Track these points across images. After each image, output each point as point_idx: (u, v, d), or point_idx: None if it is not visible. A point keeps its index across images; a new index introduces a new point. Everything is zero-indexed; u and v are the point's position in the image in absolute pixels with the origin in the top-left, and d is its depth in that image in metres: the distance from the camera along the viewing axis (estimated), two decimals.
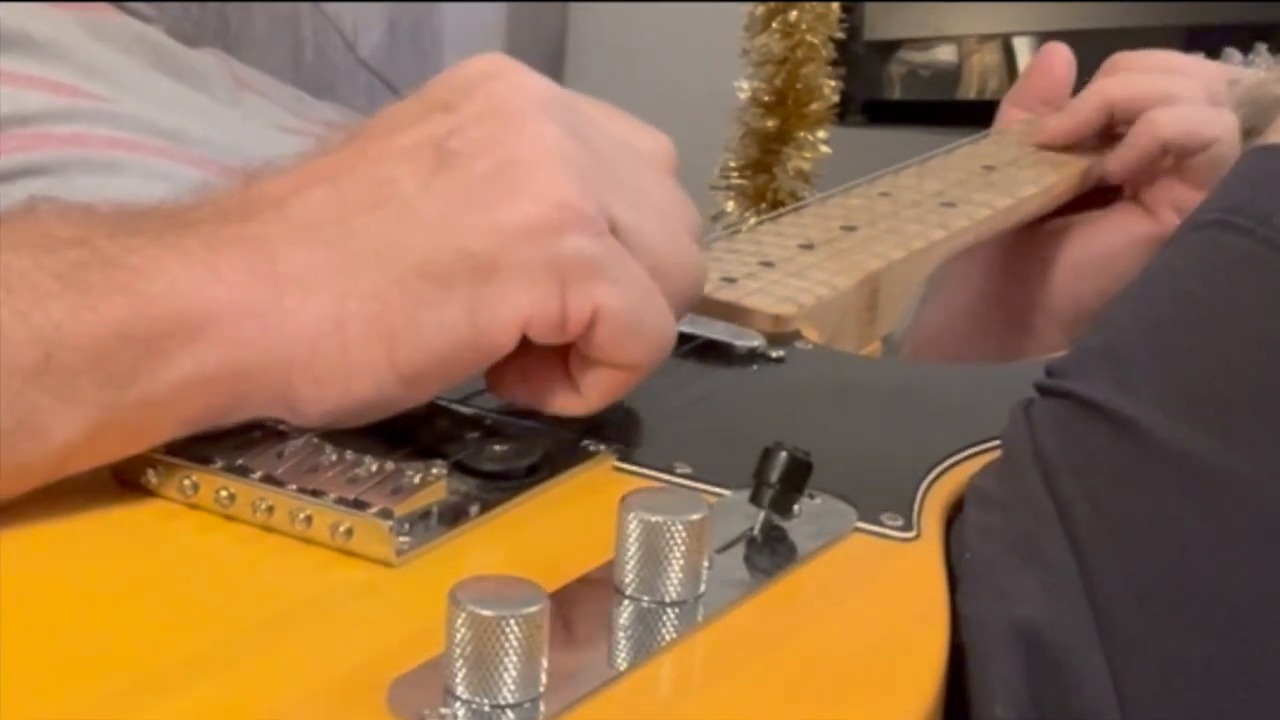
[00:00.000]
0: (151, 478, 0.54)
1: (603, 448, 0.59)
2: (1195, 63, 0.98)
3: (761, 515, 0.54)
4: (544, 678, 0.45)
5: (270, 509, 0.53)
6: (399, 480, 0.53)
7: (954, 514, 0.58)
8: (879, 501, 0.57)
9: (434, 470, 0.54)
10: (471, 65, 0.58)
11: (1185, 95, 0.94)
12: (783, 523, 0.55)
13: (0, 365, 0.50)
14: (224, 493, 0.53)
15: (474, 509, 0.54)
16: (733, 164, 1.71)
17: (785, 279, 0.76)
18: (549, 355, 0.57)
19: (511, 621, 0.44)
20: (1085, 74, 1.00)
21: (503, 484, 0.56)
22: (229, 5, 1.49)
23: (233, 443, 0.54)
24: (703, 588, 0.51)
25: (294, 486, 0.53)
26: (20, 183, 0.77)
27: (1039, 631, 0.52)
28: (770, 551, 0.54)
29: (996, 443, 0.59)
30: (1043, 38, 1.58)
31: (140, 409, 0.52)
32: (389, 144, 0.56)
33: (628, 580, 0.50)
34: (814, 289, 0.75)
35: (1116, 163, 0.95)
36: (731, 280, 0.75)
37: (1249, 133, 0.93)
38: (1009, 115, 1.02)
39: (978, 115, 1.13)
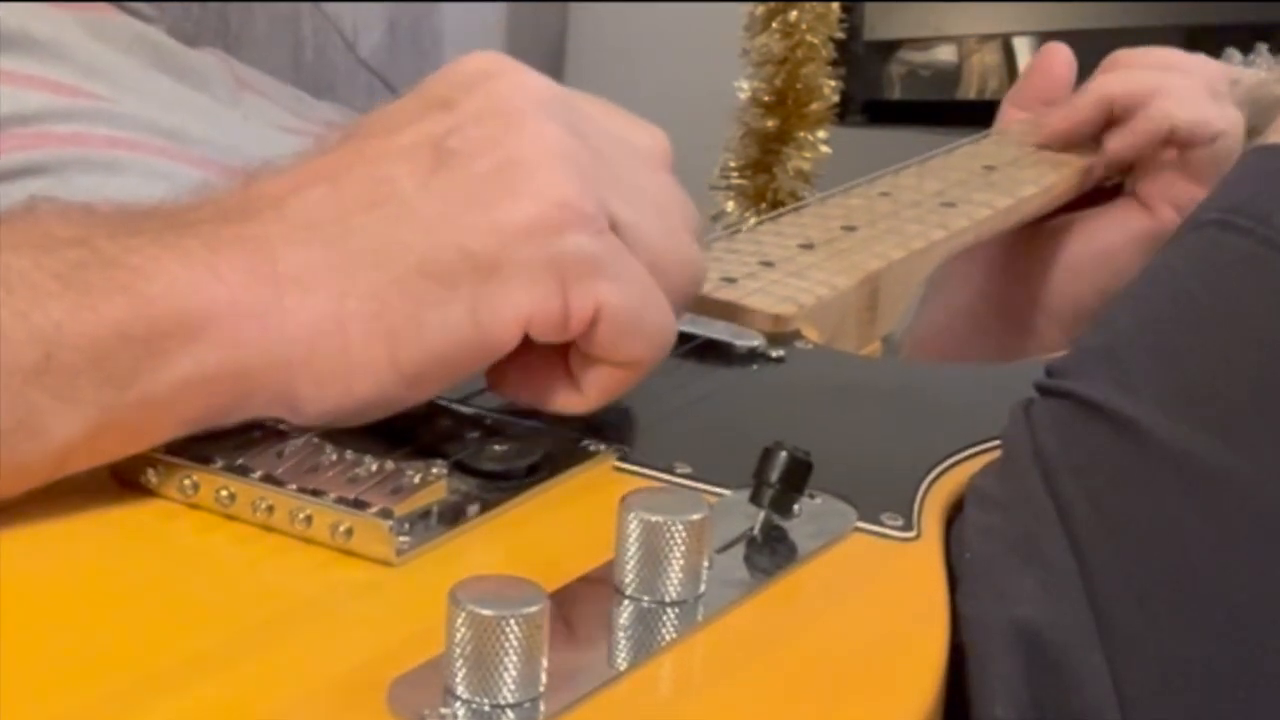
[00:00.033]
0: (151, 477, 0.54)
1: (603, 448, 0.59)
2: (1196, 60, 0.98)
3: (761, 515, 0.54)
4: (544, 677, 0.45)
5: (270, 508, 0.53)
6: (399, 480, 0.53)
7: (954, 514, 0.58)
8: (879, 501, 0.57)
9: (434, 470, 0.54)
10: (469, 63, 0.58)
11: (1187, 91, 0.94)
12: (783, 522, 0.55)
13: (0, 365, 0.50)
14: (224, 492, 0.53)
15: (474, 509, 0.54)
16: (733, 164, 1.71)
17: (785, 279, 0.76)
18: (549, 354, 0.57)
19: (511, 621, 0.44)
20: (1085, 74, 1.00)
21: (503, 484, 0.56)
22: (229, 5, 1.49)
23: (233, 442, 0.54)
24: (703, 588, 0.51)
25: (294, 486, 0.53)
26: (20, 182, 0.77)
27: (1039, 631, 0.52)
28: (770, 551, 0.54)
29: (996, 443, 0.59)
30: (1043, 38, 1.58)
31: (140, 409, 0.52)
32: (387, 143, 0.56)
33: (628, 580, 0.50)
34: (814, 289, 0.75)
35: (1120, 141, 0.94)
36: (731, 280, 0.75)
37: (1250, 133, 0.93)
38: (1009, 115, 1.02)
39: (978, 115, 1.13)
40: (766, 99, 1.69)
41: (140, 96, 0.85)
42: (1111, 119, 0.96)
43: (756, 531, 0.54)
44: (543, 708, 0.45)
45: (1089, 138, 0.98)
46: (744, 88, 1.70)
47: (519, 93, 0.56)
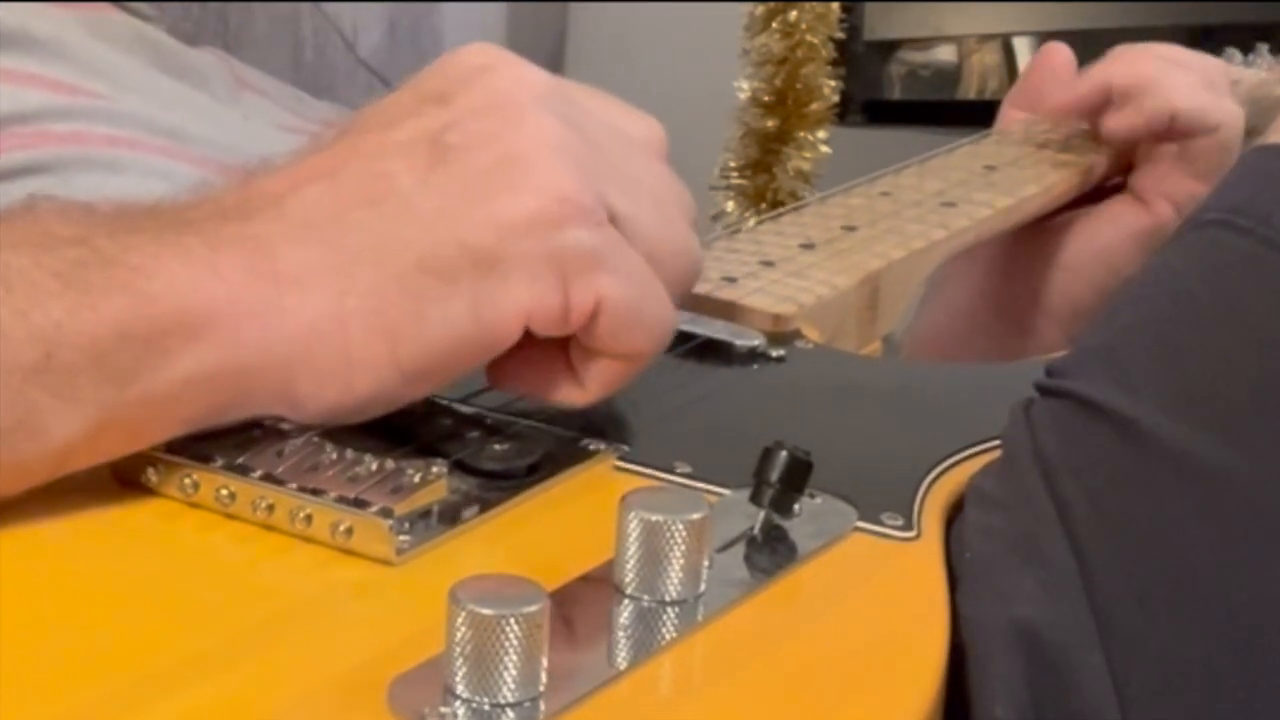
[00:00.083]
0: (152, 476, 0.54)
1: (603, 447, 0.59)
2: (1198, 57, 0.98)
3: (762, 515, 0.54)
4: (544, 677, 0.45)
5: (270, 508, 0.53)
6: (399, 479, 0.53)
7: (954, 514, 0.58)
8: (879, 501, 0.57)
9: (434, 469, 0.54)
10: (464, 56, 0.58)
11: (1188, 83, 0.94)
12: (783, 522, 0.55)
13: (0, 364, 0.50)
14: (224, 491, 0.53)
15: (474, 508, 0.54)
16: (733, 164, 1.71)
17: (786, 278, 0.76)
18: (549, 347, 0.57)
19: (511, 620, 0.44)
20: None
21: (503, 483, 0.56)
22: (229, 5, 1.49)
23: (233, 441, 0.54)
24: (703, 587, 0.51)
25: (294, 485, 0.53)
26: (20, 181, 0.77)
27: (1039, 631, 0.52)
28: (770, 551, 0.54)
29: (996, 443, 0.59)
30: (1043, 38, 1.59)
31: (140, 407, 0.52)
32: (384, 139, 0.56)
33: (628, 579, 0.50)
34: (814, 288, 0.75)
35: (1119, 120, 0.94)
36: (732, 280, 0.75)
37: (1250, 133, 0.93)
38: (1009, 116, 1.02)
39: (978, 115, 1.13)
40: (766, 99, 1.69)
41: (140, 95, 0.85)
42: (1110, 105, 0.95)
43: (757, 531, 0.54)
44: (543, 707, 0.45)
45: (1084, 119, 0.98)
46: (744, 88, 1.70)
47: (516, 86, 0.56)
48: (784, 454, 0.54)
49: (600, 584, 0.50)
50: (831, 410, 0.66)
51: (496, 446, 0.57)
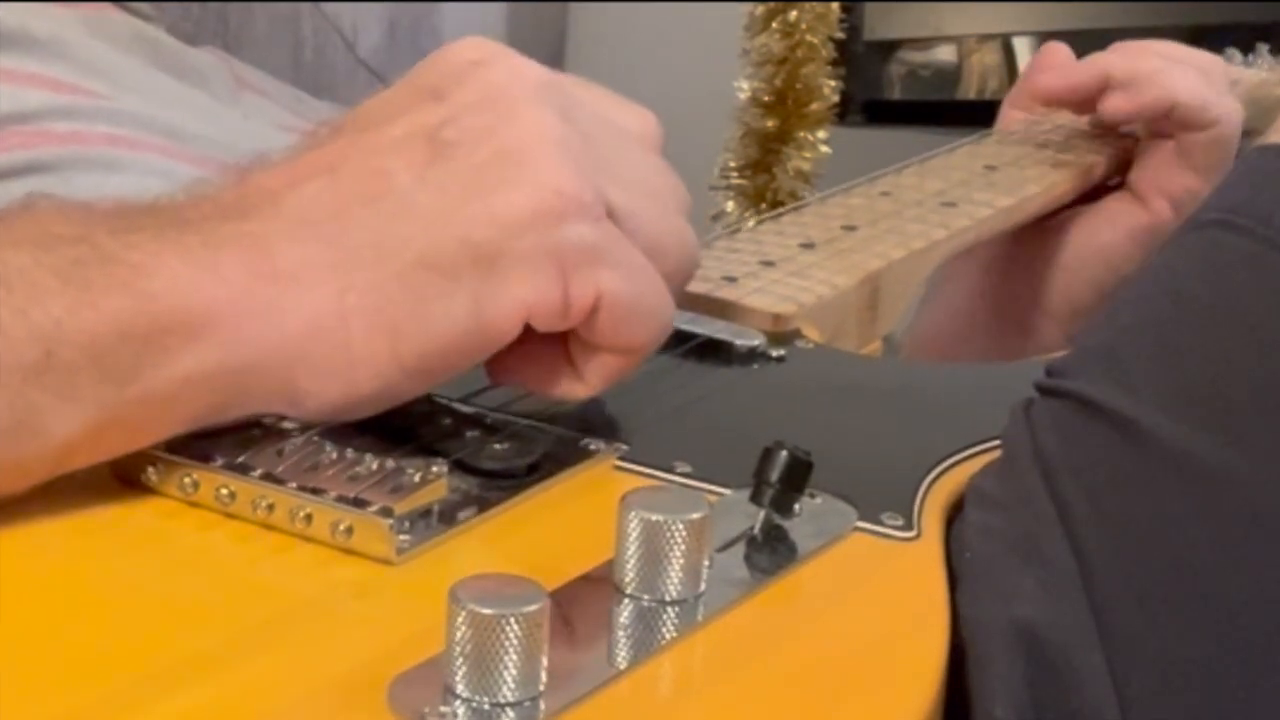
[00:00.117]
0: (152, 475, 0.54)
1: (603, 446, 0.59)
2: (1198, 54, 0.97)
3: (762, 514, 0.54)
4: (544, 676, 0.45)
5: (270, 507, 0.53)
6: (399, 478, 0.53)
7: (954, 514, 0.58)
8: (879, 501, 0.57)
9: (434, 469, 0.54)
10: (458, 51, 0.58)
11: (1187, 76, 0.94)
12: (783, 522, 0.55)
13: (0, 363, 0.50)
14: (224, 490, 0.53)
15: (474, 507, 0.54)
16: (733, 164, 1.71)
17: (786, 278, 0.76)
18: (549, 341, 0.57)
19: (511, 620, 0.44)
20: None
21: (503, 482, 0.56)
22: (229, 5, 1.49)
23: (233, 440, 0.54)
24: (703, 587, 0.51)
25: (294, 484, 0.53)
26: (20, 180, 0.77)
27: (1039, 631, 0.52)
28: (770, 551, 0.54)
29: (996, 443, 0.59)
30: (1043, 38, 1.59)
31: (140, 406, 0.52)
32: (381, 135, 0.56)
33: (628, 579, 0.50)
34: (815, 288, 0.75)
35: (1118, 101, 0.94)
36: (732, 279, 0.75)
37: (1250, 133, 0.93)
38: (1010, 116, 1.02)
39: (978, 115, 1.13)
40: (766, 99, 1.69)
41: (140, 94, 0.85)
42: (1108, 91, 0.95)
43: (757, 531, 0.54)
44: (543, 706, 0.45)
45: (1077, 109, 0.98)
46: (744, 88, 1.70)
47: (511, 80, 0.56)
48: (784, 454, 0.54)
49: (600, 583, 0.50)
50: (831, 410, 0.66)
51: (496, 446, 0.57)
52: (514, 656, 0.44)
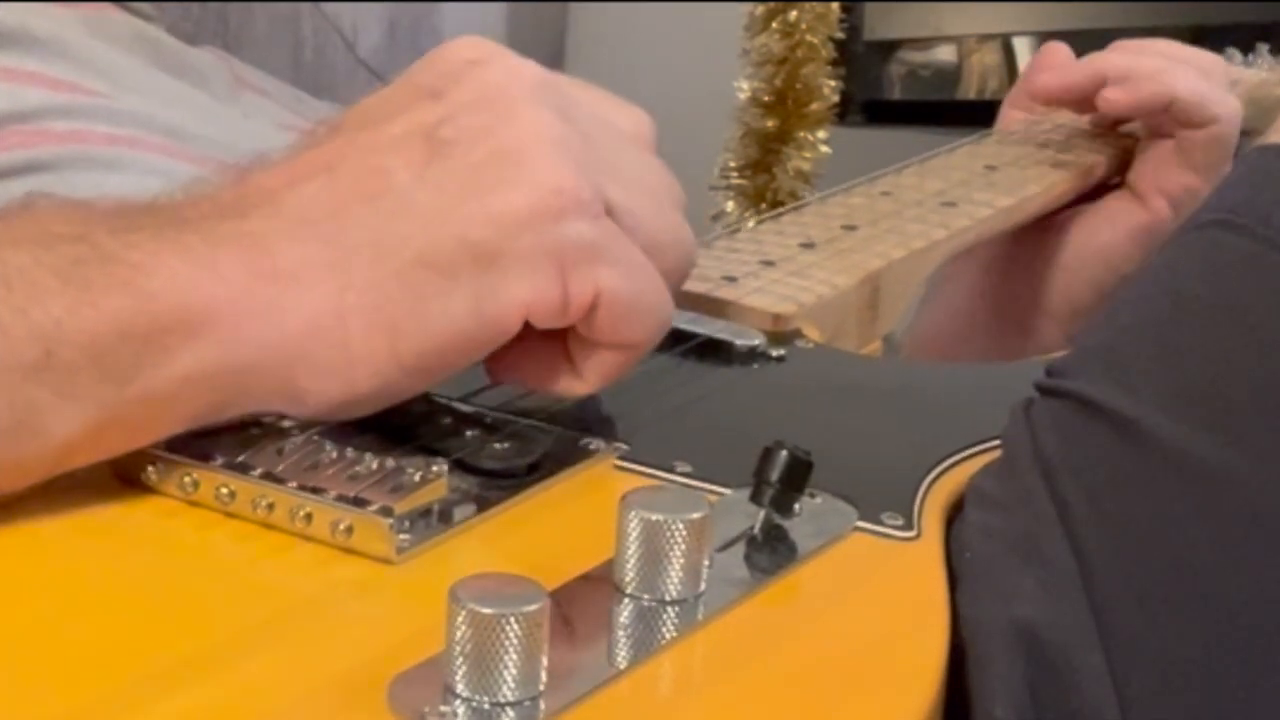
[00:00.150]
0: (151, 475, 0.54)
1: (603, 446, 0.59)
2: (1198, 53, 0.97)
3: (762, 514, 0.54)
4: (544, 676, 0.45)
5: (270, 506, 0.53)
6: (399, 478, 0.53)
7: (954, 514, 0.58)
8: (879, 501, 0.57)
9: (434, 468, 0.54)
10: (455, 50, 0.58)
11: (1187, 73, 0.93)
12: (783, 522, 0.55)
13: (0, 361, 0.50)
14: (224, 490, 0.53)
15: (474, 507, 0.54)
16: (733, 164, 1.71)
17: (786, 278, 0.76)
18: (548, 339, 0.57)
19: (511, 619, 0.44)
20: None
21: (503, 482, 0.56)
22: (229, 5, 1.49)
23: (233, 440, 0.54)
24: (703, 586, 0.51)
25: (294, 484, 0.53)
26: (20, 179, 0.77)
27: (1039, 631, 0.52)
28: (770, 550, 0.54)
29: (996, 443, 0.59)
30: (1043, 38, 1.59)
31: (140, 405, 0.52)
32: (379, 134, 0.56)
33: (628, 579, 0.50)
34: (815, 288, 0.75)
35: (1117, 93, 0.94)
36: (732, 279, 0.75)
37: (1250, 133, 0.93)
38: (1010, 116, 1.02)
39: (978, 115, 1.13)
40: (766, 99, 1.69)
41: (140, 94, 0.85)
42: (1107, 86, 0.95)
43: (757, 531, 0.54)
44: (542, 706, 0.45)
45: (1075, 107, 0.98)
46: (744, 88, 1.70)
47: (508, 80, 0.56)
48: (784, 454, 0.54)
49: (600, 583, 0.50)
50: (831, 410, 0.66)
51: (497, 445, 0.57)
52: (514, 656, 0.44)
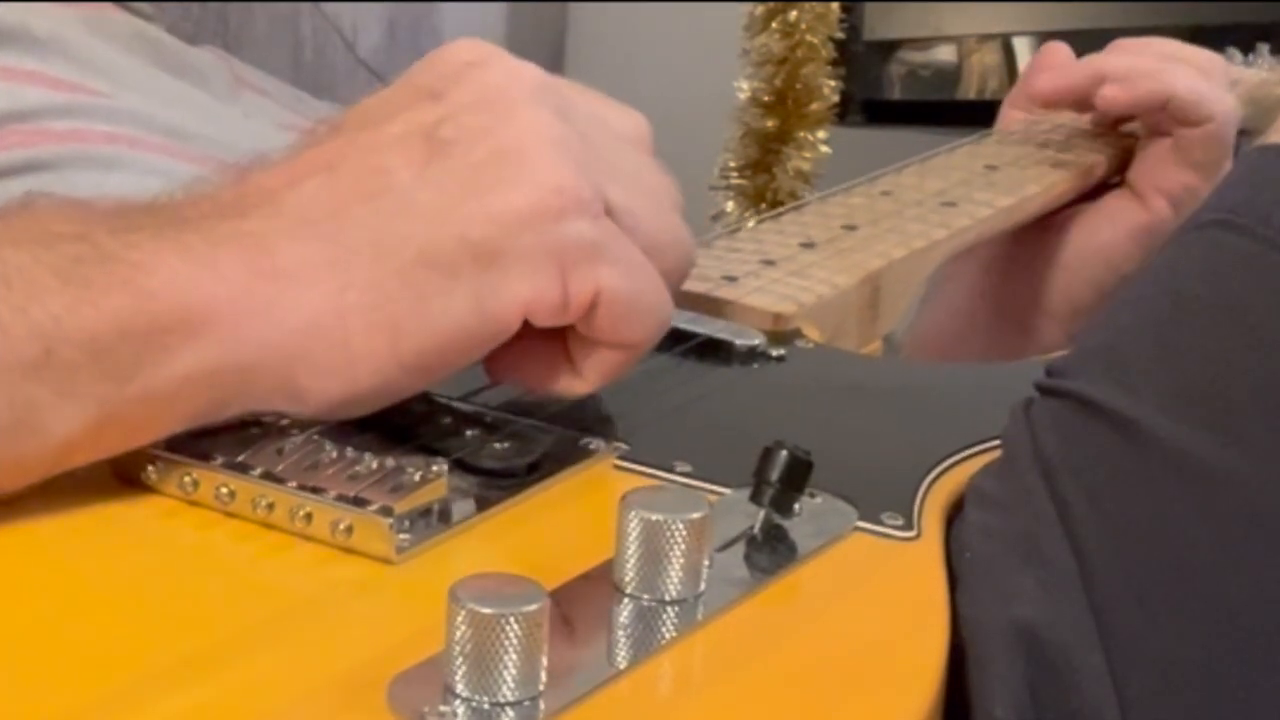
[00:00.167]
0: (151, 474, 0.54)
1: (603, 446, 0.59)
2: (1197, 52, 0.98)
3: (762, 514, 0.54)
4: (544, 676, 0.45)
5: (270, 506, 0.53)
6: (399, 478, 0.53)
7: (954, 514, 0.58)
8: (879, 501, 0.57)
9: (434, 468, 0.54)
10: (454, 52, 0.58)
11: (1185, 72, 0.94)
12: (783, 522, 0.55)
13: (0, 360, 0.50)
14: (224, 489, 0.53)
15: (474, 506, 0.54)
16: (733, 164, 1.71)
17: (786, 277, 0.76)
18: (547, 338, 0.57)
19: (511, 619, 0.44)
20: None
21: (503, 482, 0.56)
22: (229, 5, 1.49)
23: (233, 439, 0.54)
24: (703, 586, 0.50)
25: (294, 483, 0.53)
26: (19, 179, 0.77)
27: (1039, 631, 0.52)
28: (770, 550, 0.54)
29: (996, 443, 0.59)
30: (1043, 38, 1.59)
31: (140, 404, 0.52)
32: (379, 134, 0.56)
33: (628, 578, 0.50)
34: (815, 287, 0.75)
35: (1115, 90, 0.94)
36: (733, 278, 0.75)
37: (1250, 133, 0.93)
38: (1010, 116, 1.02)
39: (978, 115, 1.13)
40: (766, 99, 1.69)
41: (140, 93, 0.85)
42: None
43: (757, 530, 0.54)
44: (542, 706, 0.45)
45: (1075, 107, 0.98)
46: (744, 88, 1.70)
47: (507, 81, 0.57)
48: (784, 453, 0.54)
49: (600, 583, 0.50)
50: (831, 410, 0.66)
51: (496, 445, 0.57)
52: (514, 656, 0.44)
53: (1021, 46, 1.80)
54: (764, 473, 0.54)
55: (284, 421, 0.55)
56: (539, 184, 0.54)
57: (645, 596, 0.50)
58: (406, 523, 0.52)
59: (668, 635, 0.49)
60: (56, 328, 0.51)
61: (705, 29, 1.87)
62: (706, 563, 0.51)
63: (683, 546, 0.50)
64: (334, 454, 0.54)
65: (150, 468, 0.54)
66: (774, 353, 0.69)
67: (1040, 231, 0.95)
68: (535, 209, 0.54)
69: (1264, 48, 1.10)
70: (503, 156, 0.55)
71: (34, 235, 0.53)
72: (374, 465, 0.53)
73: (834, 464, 0.56)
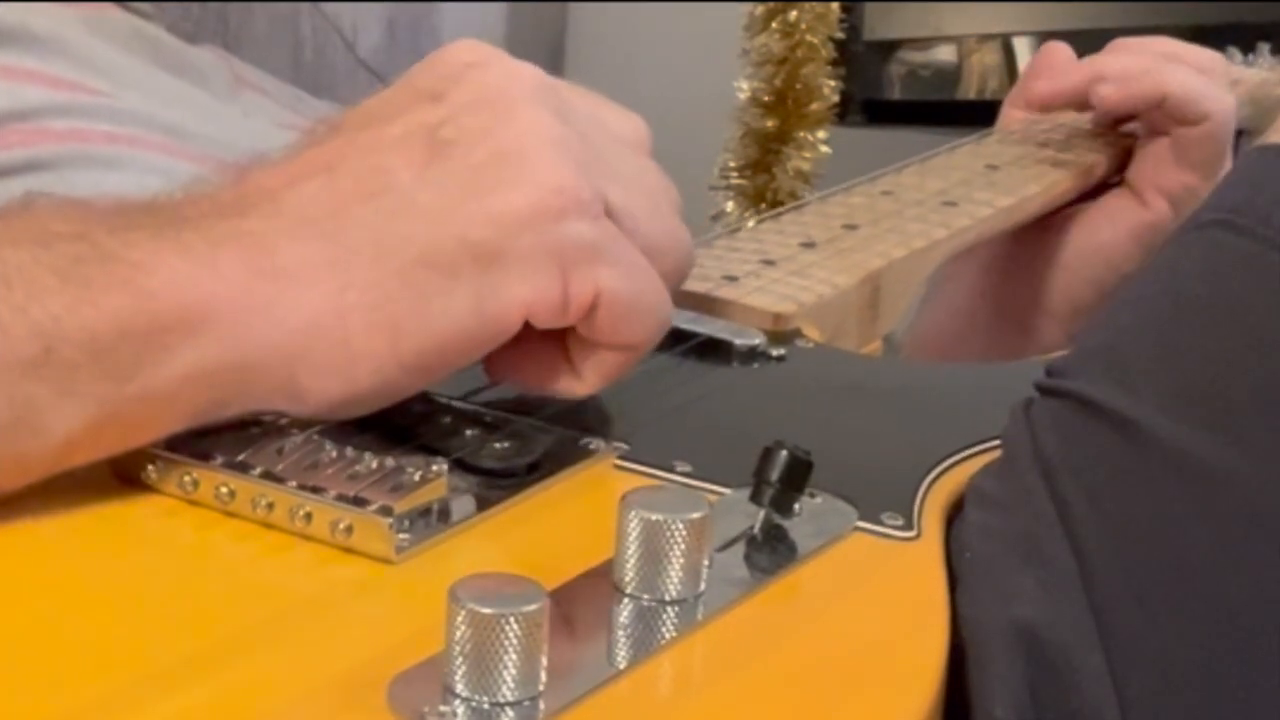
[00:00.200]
0: (151, 474, 0.54)
1: (603, 446, 0.59)
2: (1196, 50, 0.98)
3: (762, 514, 0.54)
4: (543, 675, 0.45)
5: (270, 505, 0.53)
6: (399, 477, 0.53)
7: (954, 514, 0.58)
8: (879, 501, 0.57)
9: (434, 467, 0.54)
10: (454, 53, 0.58)
11: (1183, 70, 0.94)
12: (783, 522, 0.55)
13: None
14: (224, 489, 0.53)
15: (474, 506, 0.54)
16: (733, 164, 1.71)
17: (787, 277, 0.76)
18: (547, 339, 0.57)
19: (511, 619, 0.44)
20: None
21: (503, 481, 0.56)
22: (229, 5, 1.49)
23: (232, 439, 0.54)
24: (703, 586, 0.50)
25: (294, 483, 0.53)
26: (19, 178, 0.77)
27: (1039, 631, 0.52)
28: (770, 550, 0.54)
29: (996, 443, 0.59)
30: (1043, 38, 1.59)
31: (140, 403, 0.52)
32: (379, 134, 0.56)
33: (628, 578, 0.50)
34: (815, 287, 0.75)
35: (1112, 88, 0.94)
36: (733, 278, 0.75)
37: (1250, 133, 0.93)
38: (1010, 116, 1.02)
39: (978, 115, 1.13)
40: (766, 99, 1.69)
41: (140, 92, 0.85)
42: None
43: (757, 530, 0.54)
44: (542, 706, 0.45)
45: (1075, 108, 0.98)
46: (744, 88, 1.70)
47: (507, 82, 0.57)
48: (784, 453, 0.54)
49: (600, 583, 0.50)
50: (832, 410, 0.66)
51: (496, 445, 0.57)
52: (513, 656, 0.44)
53: (1021, 46, 1.79)
54: (764, 473, 0.54)
55: (284, 421, 0.55)
56: (539, 185, 0.54)
57: (645, 596, 0.50)
58: (406, 522, 0.52)
59: (668, 635, 0.49)
60: (56, 327, 0.51)
61: (705, 29, 1.87)
62: (706, 563, 0.51)
63: (683, 546, 0.50)
64: (334, 454, 0.54)
65: (150, 467, 0.54)
66: (774, 353, 0.69)
67: (1040, 231, 0.95)
68: (535, 210, 0.54)
69: (1264, 48, 1.10)
70: (503, 157, 0.55)
71: (33, 235, 0.53)
72: (374, 465, 0.53)
73: (834, 464, 0.56)
